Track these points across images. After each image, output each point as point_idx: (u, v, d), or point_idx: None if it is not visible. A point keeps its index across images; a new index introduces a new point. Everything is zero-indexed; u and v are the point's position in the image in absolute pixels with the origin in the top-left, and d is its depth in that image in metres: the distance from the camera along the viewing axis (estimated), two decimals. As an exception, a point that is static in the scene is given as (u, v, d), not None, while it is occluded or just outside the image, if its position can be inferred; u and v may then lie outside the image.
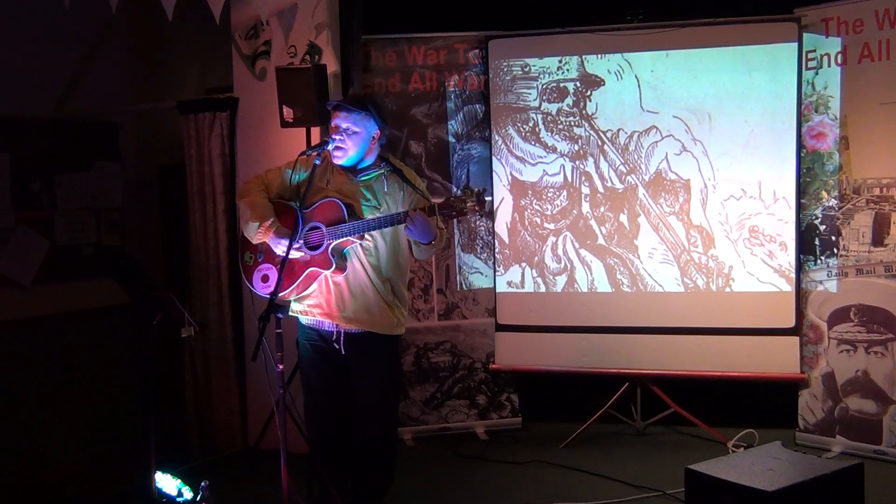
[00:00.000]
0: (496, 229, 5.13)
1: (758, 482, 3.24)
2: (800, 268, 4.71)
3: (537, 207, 5.08)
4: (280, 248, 3.51)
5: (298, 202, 3.50)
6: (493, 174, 5.10)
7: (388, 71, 5.10)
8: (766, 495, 3.16)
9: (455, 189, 5.13)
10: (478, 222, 5.17)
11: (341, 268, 3.49)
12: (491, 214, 5.11)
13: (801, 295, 4.72)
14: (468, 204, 3.26)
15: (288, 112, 4.56)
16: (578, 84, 4.96)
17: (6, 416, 4.64)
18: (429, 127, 5.14)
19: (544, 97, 5.02)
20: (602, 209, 4.99)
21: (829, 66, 4.61)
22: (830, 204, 4.67)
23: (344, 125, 3.51)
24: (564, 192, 5.03)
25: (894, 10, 4.40)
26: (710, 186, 4.81)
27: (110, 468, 4.89)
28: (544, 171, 5.05)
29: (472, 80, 5.14)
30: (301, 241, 3.47)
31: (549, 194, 5.05)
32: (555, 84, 4.99)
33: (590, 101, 4.96)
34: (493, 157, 5.09)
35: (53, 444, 4.82)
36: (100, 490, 4.50)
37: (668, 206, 4.89)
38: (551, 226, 5.06)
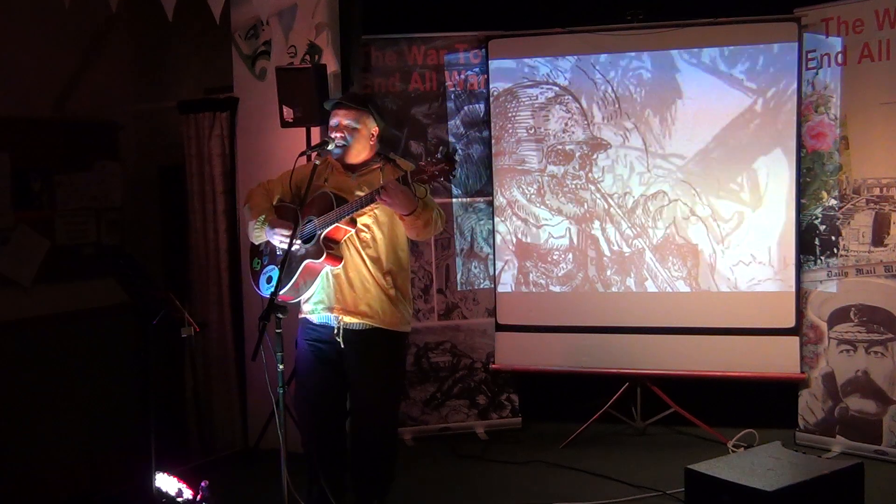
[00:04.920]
0: (499, 291, 5.11)
1: (758, 482, 3.24)
2: (800, 268, 4.71)
3: (542, 270, 5.07)
4: (276, 239, 3.53)
5: (298, 202, 3.52)
6: (497, 235, 5.09)
7: (388, 71, 5.09)
8: (765, 495, 3.17)
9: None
10: (481, 285, 5.17)
11: (336, 257, 3.49)
12: (494, 279, 5.12)
13: (801, 295, 4.71)
14: (439, 165, 3.18)
15: (288, 112, 4.56)
16: (584, 147, 4.94)
17: (6, 416, 4.64)
18: (429, 127, 5.14)
19: (549, 159, 4.99)
20: (609, 273, 4.97)
21: (829, 66, 4.61)
22: (830, 204, 4.67)
23: (344, 122, 3.52)
24: (570, 255, 5.01)
25: (894, 10, 4.40)
26: (719, 251, 4.79)
27: (110, 468, 4.89)
28: (549, 233, 5.03)
29: (472, 80, 5.15)
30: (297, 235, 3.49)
31: (555, 257, 5.03)
32: (560, 147, 4.97)
33: (596, 164, 4.93)
34: (497, 219, 5.08)
35: (54, 444, 4.81)
36: (100, 490, 4.51)
37: (676, 271, 4.87)
38: (556, 289, 5.05)
